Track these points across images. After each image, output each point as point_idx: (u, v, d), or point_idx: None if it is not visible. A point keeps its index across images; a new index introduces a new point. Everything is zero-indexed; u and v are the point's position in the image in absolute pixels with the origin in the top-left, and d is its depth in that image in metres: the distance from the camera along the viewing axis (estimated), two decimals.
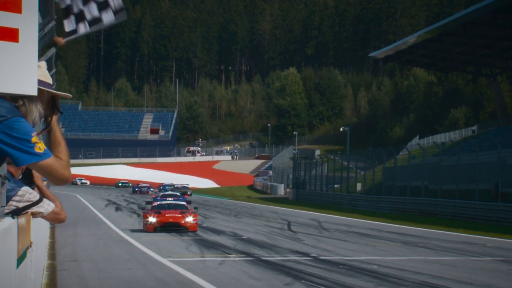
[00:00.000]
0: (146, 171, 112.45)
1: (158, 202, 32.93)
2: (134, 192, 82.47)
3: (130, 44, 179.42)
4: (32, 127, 3.61)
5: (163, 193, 46.11)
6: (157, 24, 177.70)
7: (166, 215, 30.95)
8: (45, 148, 3.61)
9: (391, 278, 16.28)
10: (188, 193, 75.88)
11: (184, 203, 32.99)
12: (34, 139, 3.55)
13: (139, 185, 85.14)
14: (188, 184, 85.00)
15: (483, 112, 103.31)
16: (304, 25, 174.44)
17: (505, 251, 23.58)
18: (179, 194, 47.38)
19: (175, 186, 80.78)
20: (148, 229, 30.64)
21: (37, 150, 3.55)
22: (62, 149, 3.77)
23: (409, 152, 55.72)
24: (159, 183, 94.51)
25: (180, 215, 31.00)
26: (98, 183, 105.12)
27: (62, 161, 3.70)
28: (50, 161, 3.62)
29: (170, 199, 36.09)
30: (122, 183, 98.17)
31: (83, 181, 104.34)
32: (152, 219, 30.76)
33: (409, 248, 24.44)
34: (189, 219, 30.88)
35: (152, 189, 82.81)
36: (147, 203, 35.74)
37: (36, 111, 3.74)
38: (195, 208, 32.77)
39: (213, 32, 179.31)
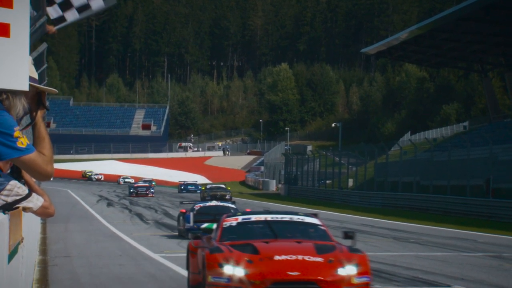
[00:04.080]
0: (138, 166, 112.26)
1: (240, 218, 12.60)
2: (130, 194, 62.97)
3: (121, 39, 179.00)
4: (15, 121, 3.58)
5: (201, 205, 24.82)
6: (149, 20, 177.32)
7: (277, 257, 10.88)
8: (28, 143, 3.59)
9: (383, 274, 16.30)
10: (227, 197, 51.90)
11: (317, 221, 12.68)
12: (16, 133, 3.53)
13: (135, 184, 67.49)
14: (224, 185, 61.44)
15: (474, 108, 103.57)
16: (296, 21, 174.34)
17: (496, 247, 23.64)
18: (229, 204, 25.93)
19: (207, 187, 57.96)
20: None
21: (19, 144, 3.53)
22: (46, 144, 3.76)
23: (401, 148, 55.80)
24: (172, 182, 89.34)
25: (321, 260, 10.89)
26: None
27: (45, 156, 3.68)
28: (32, 156, 3.60)
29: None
30: (145, 181, 73.89)
31: (127, 179, 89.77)
32: (236, 271, 10.71)
33: (401, 243, 24.48)
34: (349, 271, 10.77)
35: (152, 190, 63.77)
36: (196, 219, 19.49)
37: (20, 105, 3.71)
38: (347, 235, 12.61)
39: (205, 28, 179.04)
